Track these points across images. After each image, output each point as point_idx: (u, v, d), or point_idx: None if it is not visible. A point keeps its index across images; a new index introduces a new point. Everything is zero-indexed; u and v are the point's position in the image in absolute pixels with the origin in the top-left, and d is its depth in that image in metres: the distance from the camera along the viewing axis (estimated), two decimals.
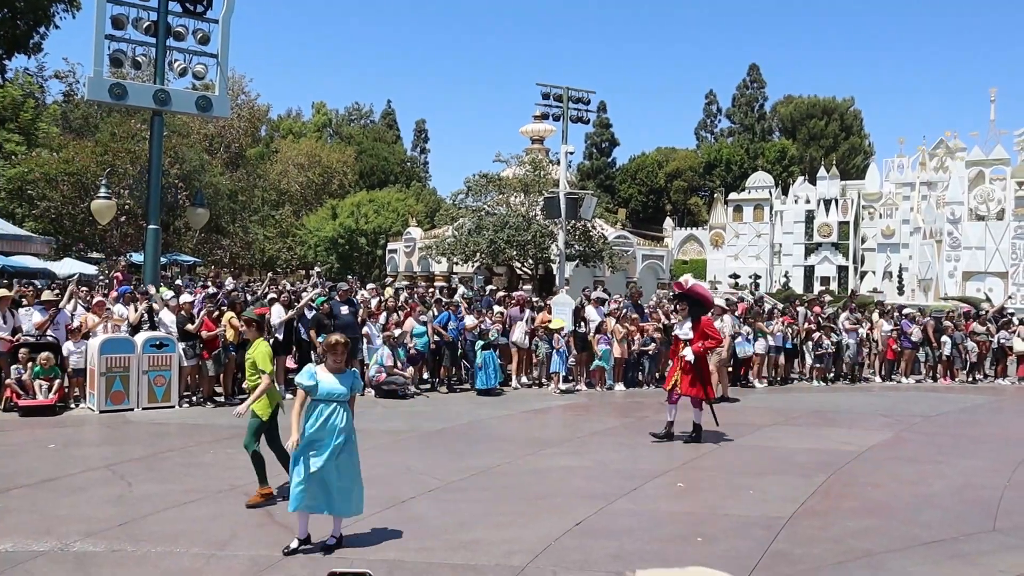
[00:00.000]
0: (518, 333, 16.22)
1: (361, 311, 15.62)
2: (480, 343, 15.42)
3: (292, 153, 56.81)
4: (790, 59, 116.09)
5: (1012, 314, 21.92)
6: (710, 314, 13.50)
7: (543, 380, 16.50)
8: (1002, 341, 20.19)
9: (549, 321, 16.27)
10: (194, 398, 13.41)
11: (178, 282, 22.00)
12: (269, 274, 22.86)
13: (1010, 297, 34.93)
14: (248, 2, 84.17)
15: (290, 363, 15.04)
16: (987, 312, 22.10)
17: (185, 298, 14.13)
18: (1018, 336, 20.09)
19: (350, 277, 22.99)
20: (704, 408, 11.28)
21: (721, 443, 11.22)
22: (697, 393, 11.09)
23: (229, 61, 18.68)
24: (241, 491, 8.05)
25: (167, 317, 13.48)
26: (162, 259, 27.12)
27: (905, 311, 21.07)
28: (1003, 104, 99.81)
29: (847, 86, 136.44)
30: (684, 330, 11.33)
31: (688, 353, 11.01)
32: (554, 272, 27.60)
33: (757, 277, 49.57)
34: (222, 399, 13.59)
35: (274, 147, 59.73)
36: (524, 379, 16.56)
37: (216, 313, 13.69)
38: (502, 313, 16.62)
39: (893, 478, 9.54)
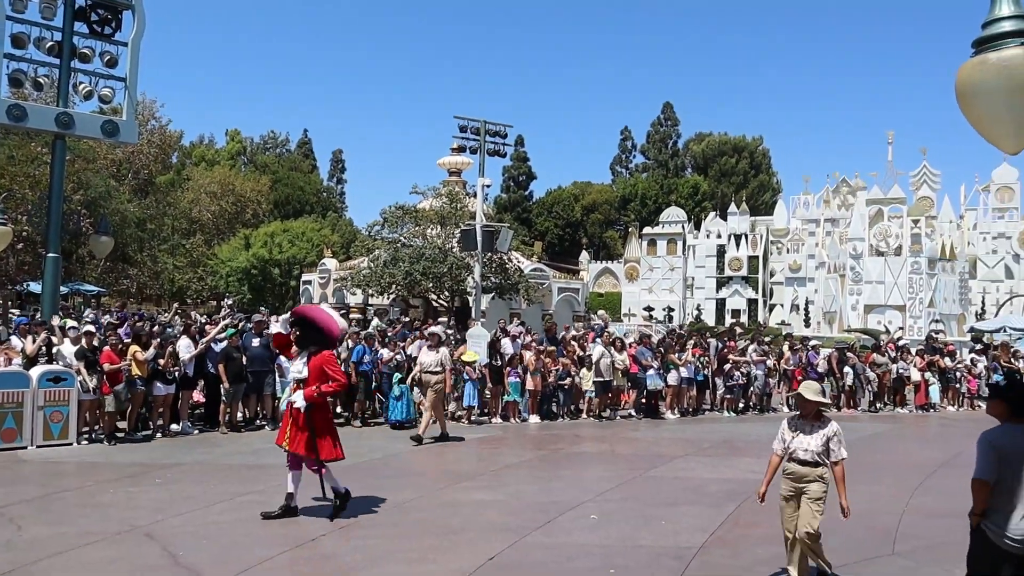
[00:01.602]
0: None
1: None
2: (397, 375, 15.24)
3: (204, 181, 55.52)
4: (703, 98, 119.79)
5: (905, 346, 22.82)
6: (425, 344, 13.88)
7: (458, 413, 16.38)
8: (900, 371, 21.00)
9: (463, 354, 16.19)
10: (93, 434, 12.85)
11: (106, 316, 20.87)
12: (175, 305, 22.14)
13: (900, 328, 36.42)
14: (160, 26, 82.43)
15: (197, 397, 14.59)
16: (886, 342, 22.98)
17: (87, 329, 13.56)
18: (914, 366, 20.95)
19: (262, 309, 22.48)
20: (327, 468, 8.73)
21: (634, 474, 11.30)
22: (304, 452, 8.43)
23: (139, 85, 18.18)
24: (141, 532, 7.72)
25: (66, 349, 12.92)
26: (64, 288, 26.06)
27: (811, 343, 21.75)
28: (899, 146, 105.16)
29: (756, 125, 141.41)
30: (296, 367, 8.82)
31: (299, 399, 8.44)
32: (470, 304, 27.60)
33: (671, 310, 50.55)
34: (123, 435, 13.04)
35: (186, 174, 58.27)
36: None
37: (120, 346, 13.17)
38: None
39: None
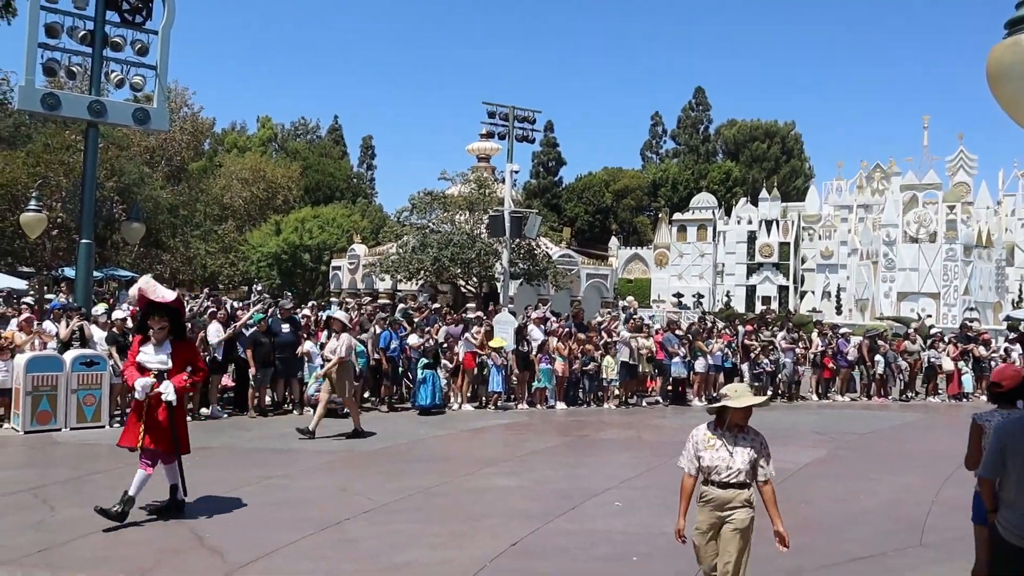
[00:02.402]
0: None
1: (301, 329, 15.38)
2: (423, 361, 15.30)
3: (236, 167, 55.98)
4: (734, 83, 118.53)
5: (939, 334, 22.47)
6: (333, 334, 12.55)
7: (483, 399, 16.42)
8: (932, 360, 20.71)
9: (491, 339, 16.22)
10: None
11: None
12: (206, 289, 22.37)
13: (929, 316, 35.86)
14: (191, 14, 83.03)
15: (226, 381, 14.77)
16: (913, 331, 22.64)
17: (117, 315, 13.76)
18: (946, 355, 20.64)
19: (287, 294, 22.64)
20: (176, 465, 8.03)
21: (659, 462, 11.26)
22: (165, 448, 7.78)
23: (170, 73, 18.32)
24: (171, 514, 7.83)
25: (97, 334, 13.10)
26: (98, 274, 26.46)
27: (841, 331, 21.50)
28: (935, 131, 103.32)
29: (788, 110, 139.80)
30: (158, 358, 7.76)
31: (169, 392, 7.57)
32: (498, 290, 27.61)
33: (700, 296, 50.23)
34: None
35: (218, 161, 58.80)
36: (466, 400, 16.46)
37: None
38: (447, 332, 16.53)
39: (826, 495, 9.68)
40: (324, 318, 15.04)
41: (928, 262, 41.44)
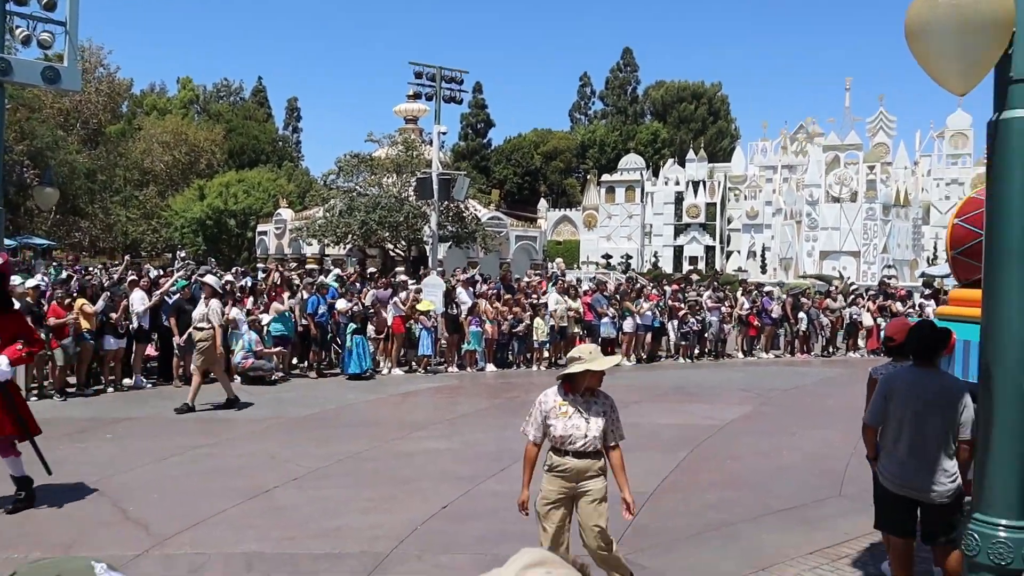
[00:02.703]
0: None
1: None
2: (352, 326, 15.12)
3: (156, 131, 53.98)
4: (662, 44, 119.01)
5: (858, 291, 23.18)
6: (204, 298, 11.77)
7: (413, 363, 16.34)
8: (852, 316, 21.37)
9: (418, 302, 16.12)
10: (43, 390, 12.59)
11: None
12: (127, 258, 21.67)
13: (848, 278, 36.92)
14: None
15: (151, 351, 14.38)
16: (837, 288, 23.31)
17: (30, 283, 13.20)
18: (866, 311, 21.31)
19: (211, 260, 22.09)
20: (22, 452, 7.12)
21: None
22: (11, 431, 6.93)
23: (83, 31, 17.49)
24: (91, 487, 7.59)
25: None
26: (10, 242, 25.37)
27: (765, 289, 22.00)
28: (857, 92, 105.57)
29: (715, 71, 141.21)
30: None
31: (3, 365, 6.71)
32: (427, 253, 27.42)
33: (628, 257, 50.76)
34: (73, 390, 12.80)
35: (137, 124, 56.60)
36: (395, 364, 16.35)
37: (67, 300, 12.86)
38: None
39: (751, 450, 9.92)
40: (200, 281, 14.35)
41: (849, 221, 42.57)
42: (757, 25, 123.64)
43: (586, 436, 4.80)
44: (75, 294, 13.20)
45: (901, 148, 46.27)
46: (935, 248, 45.06)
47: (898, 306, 22.09)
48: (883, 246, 41.85)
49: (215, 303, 11.87)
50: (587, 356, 4.85)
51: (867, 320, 21.17)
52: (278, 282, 15.94)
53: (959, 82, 3.65)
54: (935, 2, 3.57)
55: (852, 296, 22.27)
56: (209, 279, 12.75)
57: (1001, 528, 3.65)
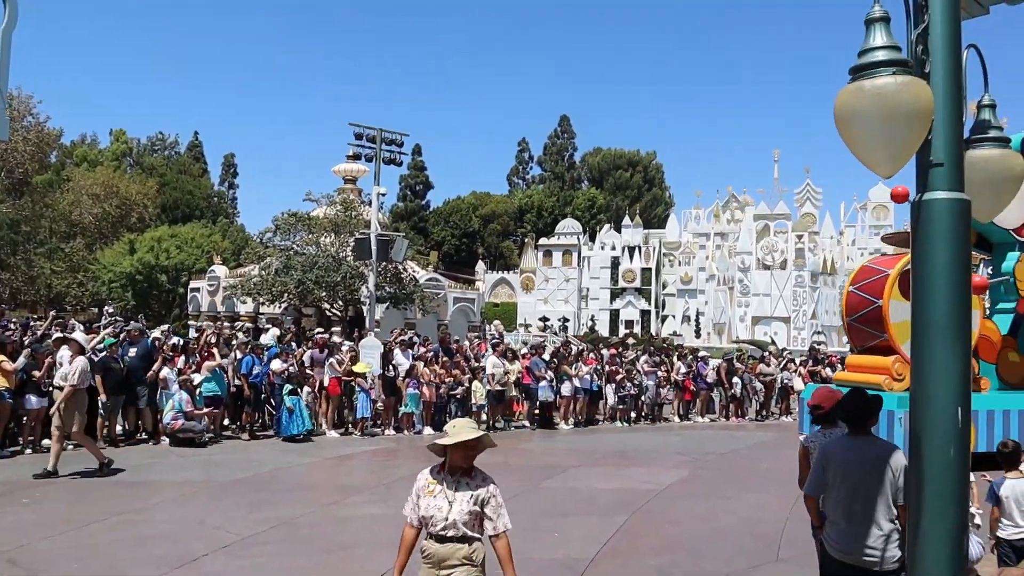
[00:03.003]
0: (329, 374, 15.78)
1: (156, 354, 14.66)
2: (288, 387, 14.87)
3: (86, 182, 52.94)
4: (599, 111, 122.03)
5: (790, 356, 23.72)
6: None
7: (349, 425, 16.10)
8: (785, 381, 21.81)
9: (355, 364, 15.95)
10: None
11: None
12: (52, 313, 21.04)
13: (775, 343, 37.78)
14: (38, 20, 78.46)
15: None
16: (771, 354, 23.83)
17: None
18: (798, 375, 21.79)
19: (140, 316, 21.59)
20: None
21: (527, 487, 11.33)
22: None
23: (13, 79, 17.22)
24: (4, 558, 7.24)
25: None
26: None
27: (700, 354, 22.36)
28: (785, 164, 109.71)
29: (650, 140, 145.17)
30: None
31: None
32: (364, 314, 27.23)
33: (566, 320, 51.16)
34: None
35: (66, 175, 55.44)
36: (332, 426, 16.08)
37: None
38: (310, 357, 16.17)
39: (689, 514, 9.98)
40: (58, 339, 13.92)
41: (779, 288, 43.79)
42: (691, 96, 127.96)
43: (447, 519, 4.31)
44: None
45: (827, 218, 48.02)
46: None
47: (827, 371, 22.62)
48: (812, 312, 43.04)
49: (80, 361, 11.07)
50: (451, 430, 4.49)
51: (798, 384, 21.60)
52: (212, 341, 15.63)
53: (886, 166, 3.85)
54: (861, 92, 3.79)
55: (784, 361, 22.77)
56: (76, 335, 12.07)
57: None
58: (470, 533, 4.35)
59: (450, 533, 4.33)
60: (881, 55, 3.84)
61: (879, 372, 13.52)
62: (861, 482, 4.85)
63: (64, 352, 13.11)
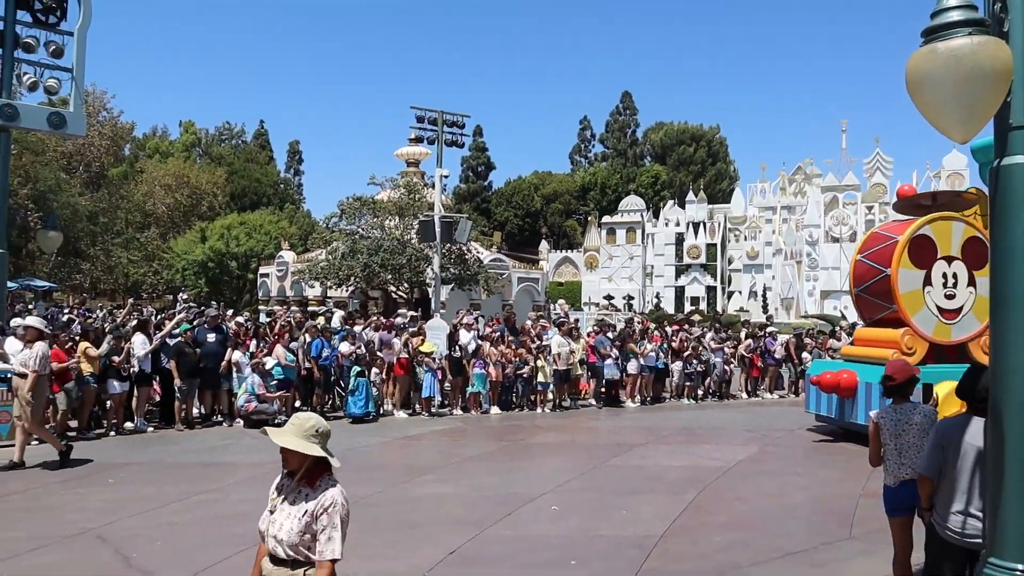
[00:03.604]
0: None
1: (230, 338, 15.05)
2: (356, 368, 15.11)
3: (159, 173, 54.49)
4: (661, 87, 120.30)
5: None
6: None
7: (417, 406, 16.29)
8: None
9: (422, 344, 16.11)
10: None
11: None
12: (130, 301, 21.75)
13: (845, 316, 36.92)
14: (108, 15, 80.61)
15: (153, 393, 14.34)
16: (841, 328, 23.29)
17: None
18: None
19: (213, 303, 22.13)
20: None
21: (594, 464, 11.32)
22: None
23: (88, 75, 17.77)
24: (93, 534, 7.54)
25: (11, 347, 12.57)
26: (12, 284, 25.45)
27: (768, 330, 21.99)
28: (853, 134, 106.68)
29: (713, 114, 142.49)
30: None
31: None
32: (430, 295, 27.46)
33: (630, 298, 50.79)
34: (75, 434, 12.74)
35: (139, 167, 57.10)
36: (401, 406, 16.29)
37: (69, 343, 12.88)
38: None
39: (758, 492, 9.86)
40: (129, 326, 14.14)
41: (849, 261, 42.71)
42: (754, 67, 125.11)
43: (275, 536, 3.66)
44: (77, 337, 13.22)
45: (898, 188, 46.56)
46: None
47: None
48: None
49: (40, 346, 10.54)
50: (284, 427, 3.78)
51: None
52: (290, 324, 16.04)
53: (960, 131, 3.72)
54: (934, 54, 3.65)
55: (850, 329, 22.25)
56: (32, 320, 11.50)
57: (1019, 573, 3.63)
58: (302, 557, 3.63)
59: (279, 553, 3.67)
60: (955, 15, 3.70)
61: (888, 346, 13.02)
62: (978, 464, 4.61)
63: (137, 338, 13.57)
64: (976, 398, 4.68)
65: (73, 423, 12.99)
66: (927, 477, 4.98)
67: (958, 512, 4.75)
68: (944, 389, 10.99)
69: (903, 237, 12.95)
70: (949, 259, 13.07)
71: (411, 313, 18.87)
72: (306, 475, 3.70)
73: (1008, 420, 3.69)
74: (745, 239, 48.89)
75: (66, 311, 20.71)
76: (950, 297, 13.06)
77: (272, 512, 3.71)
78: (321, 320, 17.74)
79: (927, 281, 12.98)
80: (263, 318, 24.42)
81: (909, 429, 5.57)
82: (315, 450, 3.63)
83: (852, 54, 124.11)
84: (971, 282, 13.10)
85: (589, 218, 59.93)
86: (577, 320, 21.86)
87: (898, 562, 5.74)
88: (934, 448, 4.91)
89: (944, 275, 13.05)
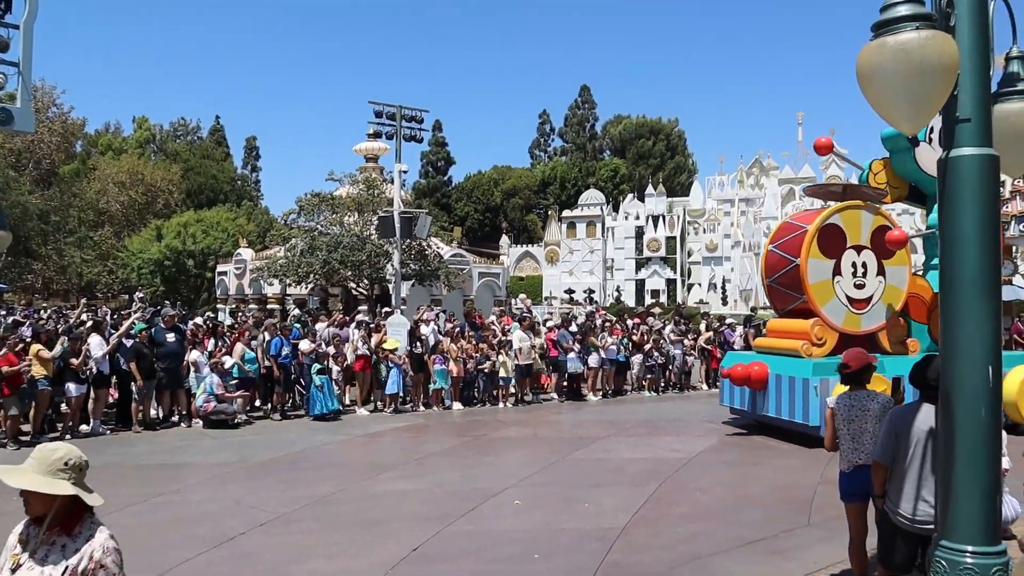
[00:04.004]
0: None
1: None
2: (316, 366, 14.99)
3: (112, 170, 53.43)
4: (620, 80, 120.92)
5: None
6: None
7: (378, 402, 16.21)
8: None
9: (384, 342, 16.04)
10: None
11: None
12: (83, 301, 21.36)
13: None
14: (56, 10, 78.87)
15: (110, 396, 14.10)
16: None
17: None
18: None
19: (167, 302, 21.82)
20: None
21: (556, 458, 11.37)
22: None
23: (36, 71, 17.36)
24: None
25: None
26: None
27: (727, 321, 22.24)
28: (809, 126, 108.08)
29: (671, 107, 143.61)
30: None
31: None
32: (390, 292, 27.33)
33: (591, 292, 51.06)
34: (28, 438, 12.46)
35: (91, 164, 56.00)
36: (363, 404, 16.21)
37: (19, 346, 12.57)
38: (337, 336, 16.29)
39: (718, 482, 9.98)
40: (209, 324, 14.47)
41: None
42: (712, 60, 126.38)
43: None
44: (28, 340, 12.94)
45: (854, 180, 47.40)
46: None
47: None
48: None
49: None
50: (23, 464, 2.99)
51: None
52: (248, 323, 15.88)
53: (909, 123, 3.79)
54: (884, 48, 3.71)
55: None
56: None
57: (968, 555, 3.72)
58: None
59: None
60: (903, 10, 3.77)
61: (798, 337, 12.83)
62: (929, 450, 4.73)
63: (94, 339, 13.32)
64: (927, 385, 4.77)
65: (26, 427, 12.72)
66: (880, 464, 5.08)
67: (910, 498, 4.85)
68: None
69: (812, 226, 12.68)
70: (858, 248, 12.89)
71: (359, 316, 18.80)
72: (59, 521, 2.93)
73: (958, 406, 3.78)
74: (704, 232, 49.39)
75: (17, 312, 20.28)
76: (860, 287, 12.90)
77: (14, 572, 2.88)
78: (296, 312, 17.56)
79: (836, 271, 12.79)
80: (221, 317, 24.14)
81: (864, 415, 5.68)
82: (63, 488, 2.88)
83: (808, 46, 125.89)
84: (880, 271, 12.97)
85: (549, 212, 60.14)
86: (537, 316, 21.90)
87: (853, 546, 5.86)
88: (887, 435, 5.01)
89: (854, 264, 12.86)
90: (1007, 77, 4.53)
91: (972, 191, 3.79)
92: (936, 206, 11.46)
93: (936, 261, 13.36)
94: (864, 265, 12.92)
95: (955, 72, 3.72)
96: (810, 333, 12.61)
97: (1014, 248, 28.35)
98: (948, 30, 3.82)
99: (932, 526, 4.50)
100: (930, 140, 13.17)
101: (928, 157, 13.07)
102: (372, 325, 16.60)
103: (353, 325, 16.89)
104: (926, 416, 4.78)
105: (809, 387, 12.01)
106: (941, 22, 3.84)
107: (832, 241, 12.77)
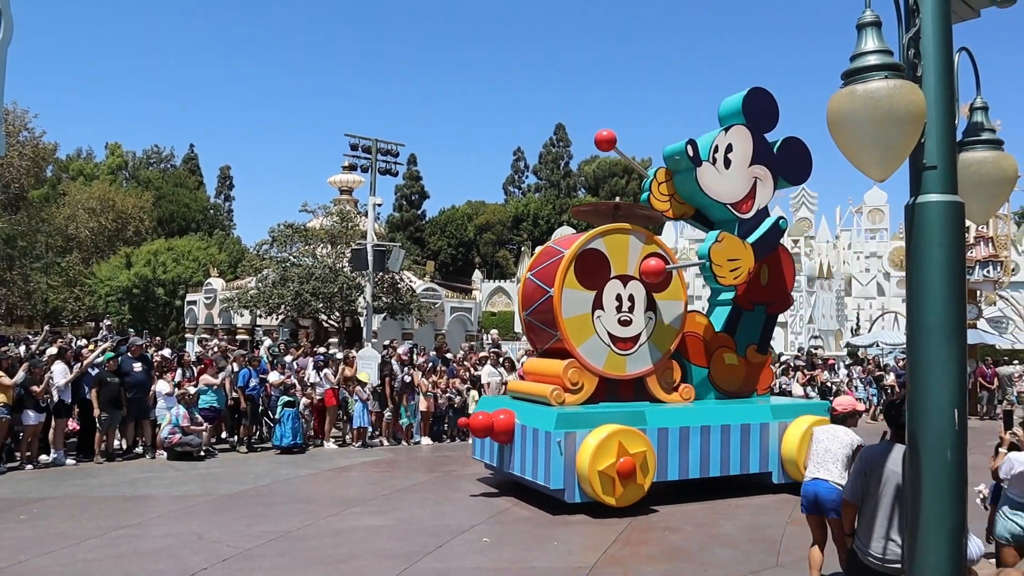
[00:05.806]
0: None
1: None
2: (284, 399, 14.84)
3: (82, 196, 52.91)
4: (594, 120, 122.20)
5: (788, 361, 23.72)
6: None
7: (347, 436, 16.05)
8: (783, 386, 21.79)
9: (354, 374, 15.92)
10: None
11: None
12: (46, 328, 21.02)
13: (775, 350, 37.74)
14: (32, 34, 78.47)
15: (71, 425, 13.85)
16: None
17: None
18: (796, 381, 21.80)
19: (131, 331, 21.55)
20: None
21: (529, 495, 11.29)
22: None
23: (8, 94, 17.24)
24: (5, 573, 7.21)
25: None
26: None
27: None
28: None
29: (646, 147, 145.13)
30: None
31: None
32: (361, 324, 27.21)
33: None
34: None
35: (62, 189, 55.44)
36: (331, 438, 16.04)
37: None
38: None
39: (689, 520, 9.95)
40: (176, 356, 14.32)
41: None
42: (686, 100, 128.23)
43: None
44: None
45: (823, 222, 48.12)
46: (858, 318, 46.65)
47: (824, 375, 22.72)
48: (809, 317, 43.06)
49: None
50: None
51: (797, 389, 21.62)
52: (215, 352, 15.71)
53: (878, 170, 3.86)
54: (853, 96, 3.80)
55: (782, 366, 22.77)
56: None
57: None
58: None
59: None
60: (873, 59, 3.86)
61: (551, 381, 10.81)
62: (899, 490, 4.74)
63: (57, 367, 13.11)
64: (899, 424, 4.79)
65: None
66: (850, 502, 5.12)
67: (880, 537, 4.88)
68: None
69: (569, 251, 10.73)
70: (625, 279, 10.99)
71: (322, 349, 18.67)
72: None
73: (924, 448, 3.82)
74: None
75: None
76: (625, 323, 10.93)
77: None
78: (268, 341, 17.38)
79: (598, 304, 10.79)
80: (189, 347, 23.85)
81: (833, 440, 6.71)
82: None
83: (781, 88, 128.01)
84: (651, 306, 11.12)
85: (522, 248, 60.31)
86: (509, 352, 21.86)
87: (815, 542, 6.93)
88: (857, 474, 5.05)
89: (619, 297, 10.90)
90: (971, 127, 4.65)
91: (938, 237, 3.87)
92: (712, 234, 10.98)
93: (722, 297, 12.36)
94: (631, 298, 11.00)
95: (922, 120, 3.81)
96: (563, 377, 10.58)
97: (978, 292, 28.82)
98: (915, 80, 3.93)
99: (900, 566, 4.53)
100: (714, 160, 11.67)
101: (713, 179, 11.55)
102: (341, 358, 16.47)
103: (311, 366, 16.40)
104: (897, 456, 4.81)
105: (552, 441, 9.88)
106: (909, 72, 3.95)
107: (593, 269, 10.82)
